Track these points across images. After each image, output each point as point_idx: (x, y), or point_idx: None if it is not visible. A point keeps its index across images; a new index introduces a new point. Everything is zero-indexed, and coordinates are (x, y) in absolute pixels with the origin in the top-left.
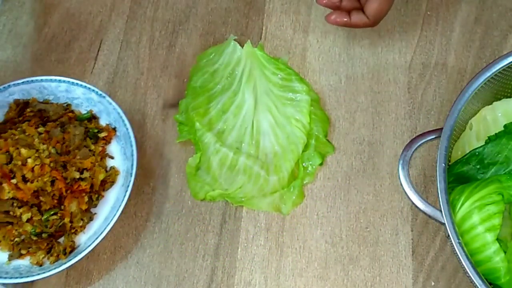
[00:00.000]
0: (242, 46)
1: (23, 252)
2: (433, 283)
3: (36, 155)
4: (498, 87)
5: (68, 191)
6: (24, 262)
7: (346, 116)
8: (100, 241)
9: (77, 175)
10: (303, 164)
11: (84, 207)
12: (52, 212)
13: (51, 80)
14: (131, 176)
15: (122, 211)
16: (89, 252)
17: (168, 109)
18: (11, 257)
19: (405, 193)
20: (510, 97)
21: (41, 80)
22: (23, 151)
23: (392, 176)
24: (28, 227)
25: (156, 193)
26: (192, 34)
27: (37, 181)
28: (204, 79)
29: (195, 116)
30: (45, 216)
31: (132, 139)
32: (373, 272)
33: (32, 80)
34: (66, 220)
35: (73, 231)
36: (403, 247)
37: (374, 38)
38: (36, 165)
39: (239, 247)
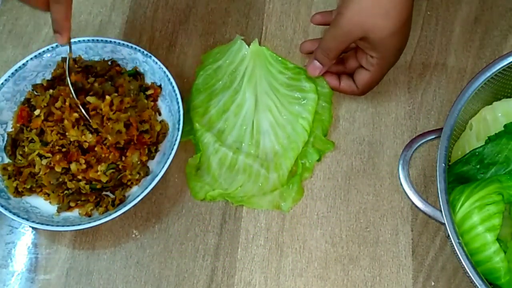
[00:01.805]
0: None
1: (72, 204)
2: (433, 283)
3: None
4: (498, 87)
5: (132, 143)
6: (73, 214)
7: (346, 116)
8: (147, 193)
9: (140, 126)
10: (302, 161)
11: (144, 158)
12: (110, 167)
13: (97, 41)
14: (178, 130)
15: (169, 166)
16: (137, 203)
17: None
18: (60, 209)
19: (405, 193)
20: (510, 97)
21: (88, 41)
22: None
23: (392, 176)
24: (82, 182)
25: (156, 193)
26: (192, 34)
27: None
28: (207, 75)
29: (194, 117)
30: (104, 166)
31: (178, 95)
32: (373, 272)
33: (78, 41)
34: (127, 172)
35: (129, 183)
36: (403, 247)
37: None
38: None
39: (239, 247)
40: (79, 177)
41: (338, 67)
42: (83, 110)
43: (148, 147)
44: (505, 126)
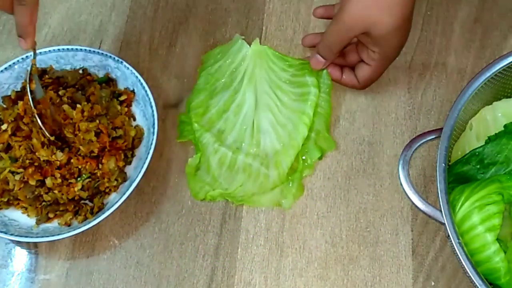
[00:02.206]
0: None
1: (51, 215)
2: (433, 283)
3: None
4: (498, 87)
5: (106, 149)
6: (52, 224)
7: (346, 116)
8: (125, 199)
9: (113, 133)
10: (303, 157)
11: (121, 164)
12: (85, 177)
13: (68, 50)
14: (153, 134)
15: (145, 172)
16: (115, 210)
17: (168, 109)
18: (39, 221)
19: (405, 193)
20: (510, 97)
21: (58, 50)
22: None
23: (392, 176)
24: (59, 193)
25: (156, 193)
26: (192, 34)
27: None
28: (208, 75)
29: (193, 117)
30: (80, 182)
31: (152, 100)
32: (373, 272)
33: (49, 50)
34: (105, 179)
35: (107, 190)
36: (403, 247)
37: None
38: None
39: (239, 247)
40: (55, 191)
41: (339, 60)
42: (39, 120)
43: (124, 152)
44: (505, 126)
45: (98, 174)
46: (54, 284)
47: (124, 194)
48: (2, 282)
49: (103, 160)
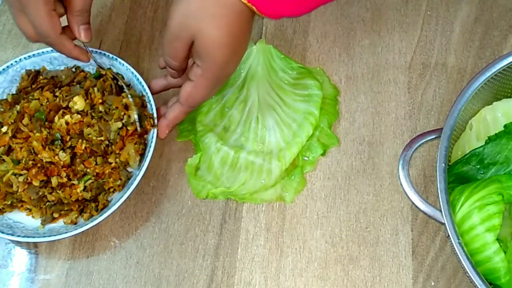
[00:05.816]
0: None
1: (55, 215)
2: (433, 283)
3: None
4: (498, 87)
5: (124, 136)
6: (58, 224)
7: (346, 116)
8: (129, 195)
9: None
10: (306, 155)
11: (140, 147)
12: (87, 178)
13: None
14: (153, 134)
15: (145, 172)
16: (120, 206)
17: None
18: (44, 222)
19: (405, 193)
20: (510, 97)
21: (51, 51)
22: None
23: (392, 176)
24: (63, 194)
25: (156, 193)
26: None
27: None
28: None
29: (197, 116)
30: (82, 183)
31: (149, 94)
32: (373, 272)
33: (42, 52)
34: (111, 179)
35: (111, 190)
36: (403, 247)
37: (374, 38)
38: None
39: (239, 247)
40: (59, 191)
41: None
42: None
43: (139, 137)
44: (505, 126)
45: (106, 172)
46: (54, 284)
47: (128, 189)
48: (2, 282)
49: (120, 151)
